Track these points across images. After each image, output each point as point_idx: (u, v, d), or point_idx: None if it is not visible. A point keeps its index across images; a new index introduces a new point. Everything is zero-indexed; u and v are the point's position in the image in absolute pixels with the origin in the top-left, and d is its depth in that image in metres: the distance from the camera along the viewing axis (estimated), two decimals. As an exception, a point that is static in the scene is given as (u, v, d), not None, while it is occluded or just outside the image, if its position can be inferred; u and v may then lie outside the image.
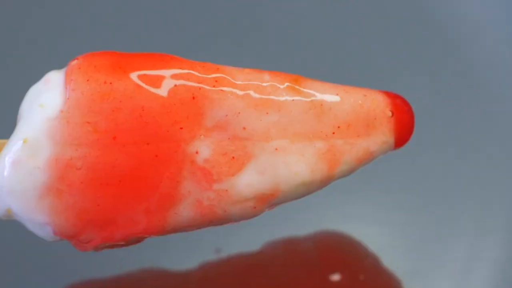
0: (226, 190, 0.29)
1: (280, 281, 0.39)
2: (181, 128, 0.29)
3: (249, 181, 0.29)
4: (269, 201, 0.30)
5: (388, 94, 0.32)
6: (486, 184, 0.42)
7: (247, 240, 0.40)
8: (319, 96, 0.30)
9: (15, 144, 0.28)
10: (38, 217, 0.28)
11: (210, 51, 0.45)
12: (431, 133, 0.43)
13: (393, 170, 0.42)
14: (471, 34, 0.45)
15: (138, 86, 0.28)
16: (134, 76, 0.29)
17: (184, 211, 0.29)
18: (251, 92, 0.29)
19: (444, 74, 0.45)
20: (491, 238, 0.41)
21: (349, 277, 0.39)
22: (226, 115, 0.29)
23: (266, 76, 0.30)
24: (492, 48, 0.45)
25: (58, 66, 0.31)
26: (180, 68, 0.29)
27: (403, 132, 0.32)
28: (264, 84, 0.29)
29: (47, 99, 0.28)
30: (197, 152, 0.29)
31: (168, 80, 0.29)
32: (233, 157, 0.29)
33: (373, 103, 0.31)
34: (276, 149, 0.29)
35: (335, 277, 0.39)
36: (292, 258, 0.39)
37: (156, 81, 0.29)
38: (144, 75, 0.29)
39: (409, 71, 0.45)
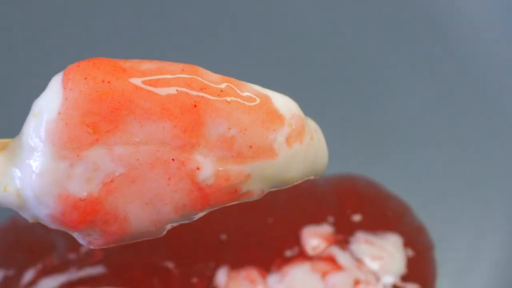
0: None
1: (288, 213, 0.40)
2: (181, 134, 0.28)
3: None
4: None
5: None
6: (486, 184, 0.42)
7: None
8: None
9: (15, 148, 0.28)
10: (41, 220, 0.29)
11: (210, 52, 0.45)
12: (431, 133, 0.43)
13: (392, 170, 0.42)
14: (471, 34, 0.45)
15: (137, 87, 0.28)
16: (133, 76, 0.28)
17: (178, 218, 0.29)
18: (258, 108, 0.29)
19: (444, 74, 0.45)
20: (491, 238, 0.41)
21: (374, 215, 0.39)
22: (230, 129, 0.28)
23: (275, 93, 0.30)
24: (492, 48, 0.45)
25: (59, 68, 0.31)
26: (183, 71, 0.29)
27: None
28: (271, 100, 0.29)
29: (45, 101, 0.28)
30: (198, 168, 0.28)
31: (170, 83, 0.28)
32: (236, 190, 0.29)
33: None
34: (283, 163, 0.29)
35: (357, 217, 0.40)
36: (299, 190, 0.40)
37: (156, 83, 0.28)
38: (144, 76, 0.28)
39: (409, 71, 0.45)
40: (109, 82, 0.28)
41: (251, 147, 0.28)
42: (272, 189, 0.30)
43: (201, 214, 0.29)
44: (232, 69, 0.44)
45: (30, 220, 0.29)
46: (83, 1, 0.46)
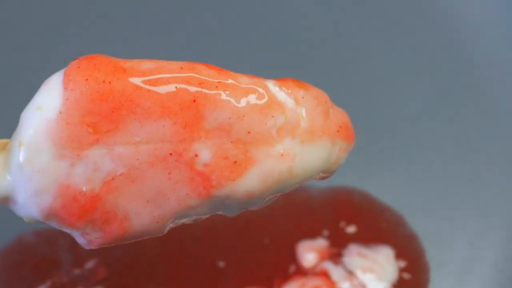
0: (225, 198, 0.29)
1: (283, 228, 0.39)
2: (181, 130, 0.28)
3: (249, 189, 0.29)
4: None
5: None
6: (486, 184, 0.42)
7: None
8: (322, 96, 0.30)
9: (15, 147, 0.28)
10: (39, 219, 0.29)
11: (210, 52, 0.45)
12: (431, 133, 0.43)
13: (392, 170, 0.42)
14: (471, 34, 0.45)
15: (138, 86, 0.28)
16: (133, 76, 0.28)
17: (183, 211, 0.29)
18: (255, 96, 0.29)
19: (444, 74, 0.45)
20: (491, 238, 0.41)
21: (368, 226, 0.39)
22: (229, 118, 0.29)
23: (270, 81, 0.30)
24: (492, 48, 0.45)
25: (59, 67, 0.31)
26: (182, 70, 0.29)
27: None
28: (269, 88, 0.29)
29: (46, 100, 0.28)
30: (196, 156, 0.28)
31: (169, 81, 0.28)
32: (235, 162, 0.29)
33: (343, 111, 0.31)
34: (282, 154, 0.29)
35: (351, 229, 0.40)
36: (295, 207, 0.40)
37: (156, 82, 0.28)
38: (144, 75, 0.28)
39: (409, 71, 0.45)
40: (110, 82, 0.28)
41: (249, 132, 0.29)
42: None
43: (207, 207, 0.29)
44: (231, 68, 0.44)
45: (27, 219, 0.29)
46: (82, 1, 0.46)
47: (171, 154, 0.28)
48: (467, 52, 0.45)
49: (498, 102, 0.44)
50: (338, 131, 0.30)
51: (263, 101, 0.29)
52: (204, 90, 0.29)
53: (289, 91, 0.30)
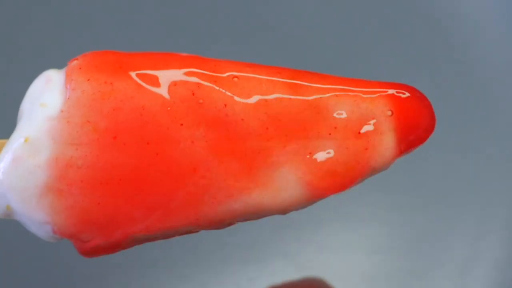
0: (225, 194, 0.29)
1: None
2: (181, 126, 0.29)
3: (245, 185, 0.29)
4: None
5: (391, 90, 0.30)
6: (486, 184, 0.42)
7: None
8: (316, 95, 0.30)
9: (16, 142, 0.28)
10: (37, 216, 0.29)
11: (210, 51, 0.45)
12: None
13: (392, 170, 0.42)
14: (471, 34, 0.45)
15: (139, 85, 0.28)
16: (134, 75, 0.29)
17: (188, 210, 0.29)
18: (250, 91, 0.29)
19: (444, 74, 0.45)
20: (491, 238, 0.41)
21: None
22: (226, 115, 0.29)
23: (265, 72, 0.30)
24: (492, 48, 0.45)
25: (58, 66, 0.31)
26: (180, 66, 0.29)
27: (409, 131, 0.30)
28: (263, 81, 0.29)
29: (48, 98, 0.28)
30: (196, 152, 0.29)
31: (168, 78, 0.29)
32: (232, 160, 0.29)
33: (371, 103, 0.30)
34: (274, 149, 0.29)
35: None
36: None
37: (156, 80, 0.29)
38: (145, 74, 0.29)
39: (409, 70, 0.45)
40: (111, 83, 0.28)
41: (243, 127, 0.29)
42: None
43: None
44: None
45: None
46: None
47: (171, 152, 0.28)
48: (467, 52, 0.45)
49: (498, 102, 0.44)
50: (330, 133, 0.30)
51: (257, 97, 0.29)
52: (202, 85, 0.29)
53: (284, 88, 0.30)
